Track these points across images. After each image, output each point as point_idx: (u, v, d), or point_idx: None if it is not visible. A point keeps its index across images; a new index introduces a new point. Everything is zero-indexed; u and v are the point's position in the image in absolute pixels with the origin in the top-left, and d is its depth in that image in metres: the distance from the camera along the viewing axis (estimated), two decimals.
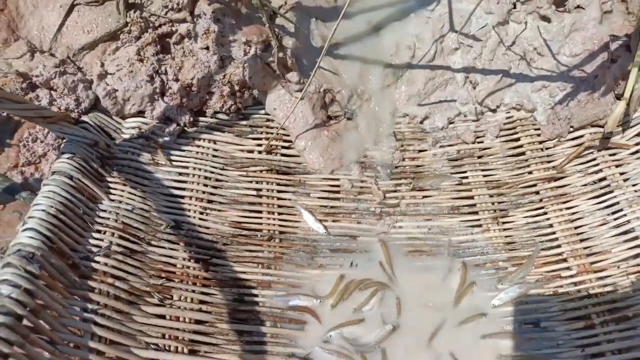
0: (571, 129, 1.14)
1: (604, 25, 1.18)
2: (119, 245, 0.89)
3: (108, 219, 0.91)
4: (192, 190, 1.05)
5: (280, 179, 1.13)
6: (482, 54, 1.22)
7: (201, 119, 1.15)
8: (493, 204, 1.11)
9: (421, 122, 1.21)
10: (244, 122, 1.17)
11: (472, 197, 1.12)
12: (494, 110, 1.20)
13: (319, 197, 1.12)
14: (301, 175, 1.14)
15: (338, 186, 1.14)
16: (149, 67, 1.07)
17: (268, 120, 1.19)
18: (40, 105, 0.92)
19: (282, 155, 1.16)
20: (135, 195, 0.98)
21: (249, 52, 1.10)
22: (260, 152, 1.14)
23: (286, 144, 1.17)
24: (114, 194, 0.96)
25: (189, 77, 1.10)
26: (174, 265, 0.94)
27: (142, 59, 1.08)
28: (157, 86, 1.08)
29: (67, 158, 0.91)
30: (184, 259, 0.95)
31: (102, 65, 1.07)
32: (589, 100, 1.14)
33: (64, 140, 0.95)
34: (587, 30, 1.18)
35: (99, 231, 0.89)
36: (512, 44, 1.21)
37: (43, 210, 0.80)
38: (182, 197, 1.04)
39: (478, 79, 1.21)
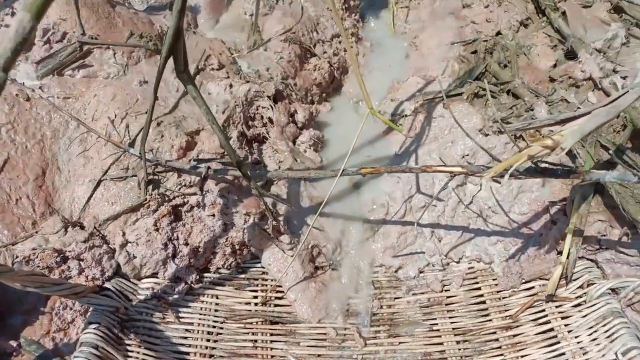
0: (523, 281, 1.33)
1: (546, 188, 1.42)
2: None
3: None
4: (196, 346, 1.21)
5: (274, 329, 1.29)
6: (445, 212, 1.44)
7: (205, 275, 1.33)
8: (460, 350, 1.27)
9: (396, 272, 1.40)
10: (242, 276, 1.35)
11: (441, 344, 1.28)
12: (457, 262, 1.40)
13: (307, 346, 1.27)
14: (292, 325, 1.30)
15: (325, 334, 1.30)
16: (164, 236, 1.27)
17: (263, 272, 1.37)
18: (73, 284, 1.10)
19: (276, 305, 1.33)
20: (149, 356, 1.13)
21: (248, 221, 1.31)
22: (256, 304, 1.31)
23: (279, 295, 1.34)
24: (131, 357, 1.11)
25: (197, 241, 1.30)
26: None
27: (158, 228, 1.27)
28: (169, 251, 1.27)
29: (94, 328, 1.08)
30: None
31: (124, 234, 1.27)
32: (537, 255, 1.34)
33: (91, 309, 1.13)
34: (532, 193, 1.41)
35: None
36: (469, 203, 1.44)
37: None
38: (188, 353, 1.19)
39: (442, 234, 1.42)
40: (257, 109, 1.55)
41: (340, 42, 1.98)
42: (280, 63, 1.72)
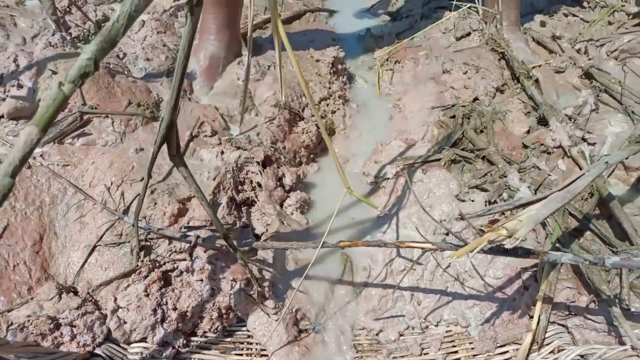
0: (498, 345, 1.38)
1: None
2: None
3: None
4: None
5: None
6: (423, 276, 1.50)
7: (192, 339, 1.38)
8: None
9: (377, 335, 1.45)
10: (228, 339, 1.40)
11: None
12: (436, 325, 1.46)
13: None
14: None
15: None
16: (154, 301, 1.33)
17: (249, 336, 1.42)
18: (65, 352, 1.15)
19: None
20: None
21: (234, 286, 1.37)
22: None
23: (263, 359, 1.39)
24: None
25: (185, 306, 1.36)
26: None
27: (148, 294, 1.33)
28: (158, 317, 1.33)
29: None
30: None
31: (115, 300, 1.32)
32: (510, 320, 1.40)
33: None
34: (506, 258, 1.48)
35: None
36: (447, 267, 1.51)
37: None
38: None
39: (421, 297, 1.48)
40: (247, 174, 1.64)
41: (327, 105, 2.09)
42: (270, 128, 1.83)
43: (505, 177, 1.61)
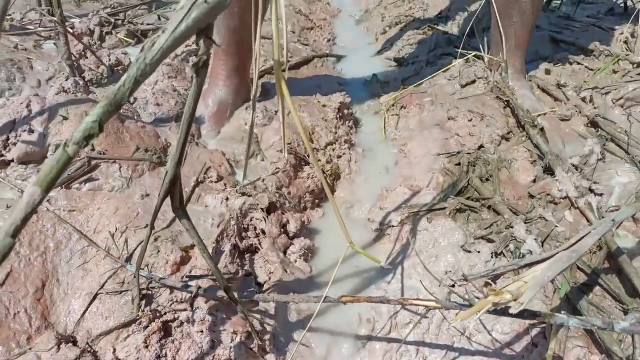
0: None
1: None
2: None
3: None
4: None
5: None
6: (429, 330, 1.47)
7: None
8: None
9: None
10: None
11: None
12: None
13: None
14: None
15: None
16: (153, 354, 1.30)
17: None
18: None
19: None
20: None
21: (235, 339, 1.35)
22: None
23: None
24: None
25: (184, 358, 1.33)
26: None
27: (148, 345, 1.31)
28: None
29: None
30: None
31: (115, 351, 1.30)
32: None
33: None
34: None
35: None
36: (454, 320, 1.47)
37: None
38: None
39: (427, 353, 1.44)
40: (251, 221, 1.64)
41: (334, 150, 2.11)
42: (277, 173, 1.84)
43: (512, 227, 1.59)
